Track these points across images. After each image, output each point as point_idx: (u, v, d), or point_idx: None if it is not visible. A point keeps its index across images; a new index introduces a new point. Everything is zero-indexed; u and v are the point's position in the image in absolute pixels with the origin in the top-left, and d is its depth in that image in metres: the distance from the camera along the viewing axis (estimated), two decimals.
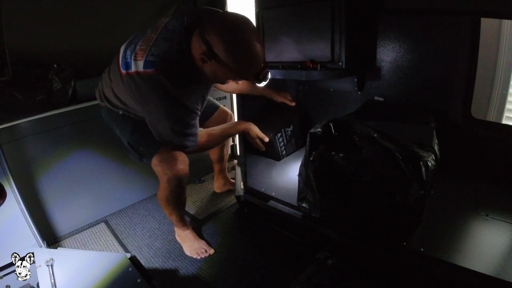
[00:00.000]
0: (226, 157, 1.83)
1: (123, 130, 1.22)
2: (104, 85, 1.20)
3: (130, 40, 1.08)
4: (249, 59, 0.94)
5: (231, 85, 1.38)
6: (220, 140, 1.33)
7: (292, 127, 1.74)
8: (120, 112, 1.18)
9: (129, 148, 1.25)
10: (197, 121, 1.12)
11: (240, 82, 1.10)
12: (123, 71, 1.03)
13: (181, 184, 1.22)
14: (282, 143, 1.69)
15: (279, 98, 1.57)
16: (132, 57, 1.00)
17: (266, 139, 1.40)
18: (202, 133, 1.20)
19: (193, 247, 1.41)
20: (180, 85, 1.00)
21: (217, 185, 1.91)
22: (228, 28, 0.92)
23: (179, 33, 0.98)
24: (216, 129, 1.29)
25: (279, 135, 1.67)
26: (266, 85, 1.40)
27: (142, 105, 1.05)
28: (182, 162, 1.19)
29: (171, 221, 1.45)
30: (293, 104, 1.57)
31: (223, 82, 1.11)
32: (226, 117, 1.60)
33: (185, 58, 0.99)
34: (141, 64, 0.97)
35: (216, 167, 1.84)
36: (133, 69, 0.99)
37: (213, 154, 1.77)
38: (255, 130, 1.36)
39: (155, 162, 1.17)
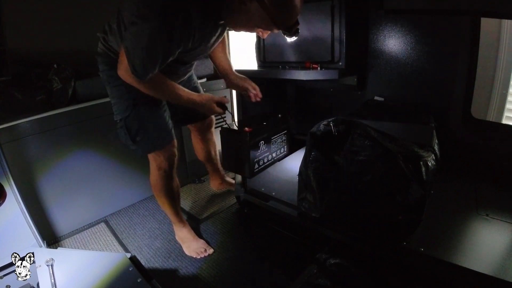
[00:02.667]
0: (216, 156, 1.75)
1: (120, 104, 1.13)
2: (112, 17, 1.08)
3: None
4: (291, 5, 0.92)
5: (218, 54, 1.31)
6: (165, 94, 1.08)
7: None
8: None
9: (122, 126, 1.16)
10: (162, 60, 0.93)
11: (265, 35, 1.01)
12: None
13: (171, 168, 1.27)
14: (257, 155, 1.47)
15: (243, 84, 1.35)
16: None
17: (227, 101, 1.22)
18: (159, 78, 1.01)
19: (192, 247, 1.41)
20: (190, 16, 0.88)
21: (213, 184, 1.90)
22: None
23: None
24: (175, 86, 1.08)
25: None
26: (241, 80, 1.32)
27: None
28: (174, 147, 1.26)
29: (167, 216, 1.45)
30: (257, 96, 1.36)
31: (249, 29, 1.00)
32: (209, 124, 1.56)
33: None
34: None
35: (209, 167, 1.81)
36: None
37: (199, 154, 1.71)
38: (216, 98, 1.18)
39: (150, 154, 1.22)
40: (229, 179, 1.87)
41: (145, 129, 1.15)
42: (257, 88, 1.36)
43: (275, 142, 1.53)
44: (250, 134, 1.35)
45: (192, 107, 1.13)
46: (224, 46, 1.33)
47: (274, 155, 1.55)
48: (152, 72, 0.95)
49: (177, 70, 1.15)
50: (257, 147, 1.42)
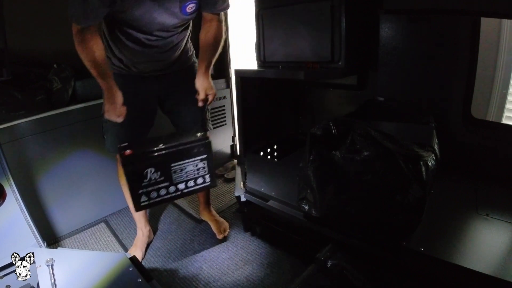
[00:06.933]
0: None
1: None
2: None
3: None
4: None
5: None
6: (91, 64, 1.06)
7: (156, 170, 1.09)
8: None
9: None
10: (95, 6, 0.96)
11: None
12: None
13: None
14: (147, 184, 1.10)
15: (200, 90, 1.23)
16: None
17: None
18: (95, 41, 1.04)
19: (133, 252, 1.41)
20: None
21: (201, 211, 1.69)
22: None
23: None
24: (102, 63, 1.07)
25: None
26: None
27: None
28: None
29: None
30: (203, 101, 1.22)
31: None
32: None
33: None
34: None
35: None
36: None
37: None
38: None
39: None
40: (215, 213, 1.66)
41: (106, 132, 1.26)
42: (209, 100, 1.25)
43: (183, 170, 1.14)
44: (129, 158, 1.05)
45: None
46: (212, 40, 1.22)
47: (181, 186, 1.16)
48: (82, 16, 0.99)
49: (138, 40, 1.15)
50: (141, 176, 1.08)
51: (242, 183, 1.56)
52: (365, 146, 0.98)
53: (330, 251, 1.10)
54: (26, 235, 1.24)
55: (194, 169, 1.15)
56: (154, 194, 1.12)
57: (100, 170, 1.66)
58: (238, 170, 1.71)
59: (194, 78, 1.23)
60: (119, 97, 1.11)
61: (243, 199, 1.56)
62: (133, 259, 1.07)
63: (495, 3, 1.14)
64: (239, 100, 1.51)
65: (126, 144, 1.11)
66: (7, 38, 1.30)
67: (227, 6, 1.21)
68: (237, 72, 1.50)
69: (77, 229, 1.64)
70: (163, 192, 1.13)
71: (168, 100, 1.34)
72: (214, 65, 1.36)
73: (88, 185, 1.64)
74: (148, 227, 1.49)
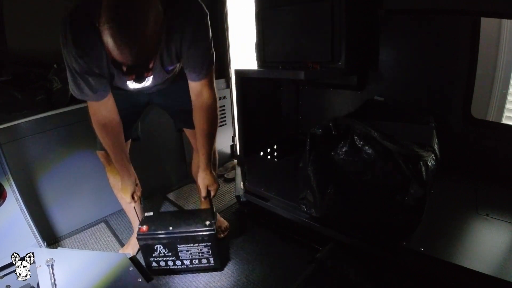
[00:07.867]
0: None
1: None
2: None
3: None
4: (116, 39, 0.73)
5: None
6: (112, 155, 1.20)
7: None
8: None
9: None
10: (85, 81, 1.02)
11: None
12: None
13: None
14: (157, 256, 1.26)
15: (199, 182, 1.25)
16: None
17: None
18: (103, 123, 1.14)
19: (124, 250, 1.44)
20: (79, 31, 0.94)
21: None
22: None
23: None
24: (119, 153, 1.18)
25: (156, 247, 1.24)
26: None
27: None
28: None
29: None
30: (205, 198, 1.26)
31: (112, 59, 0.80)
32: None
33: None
34: None
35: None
36: None
37: (194, 171, 1.51)
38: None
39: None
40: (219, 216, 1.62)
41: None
42: (212, 195, 1.25)
43: (188, 251, 1.26)
44: (143, 234, 1.22)
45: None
46: (207, 129, 1.16)
47: (187, 262, 1.28)
48: (78, 86, 1.04)
49: (129, 94, 1.20)
50: (152, 249, 1.25)
51: (242, 183, 1.56)
52: (365, 146, 0.98)
53: (330, 251, 1.10)
54: (26, 235, 1.24)
55: (198, 251, 1.27)
56: (163, 263, 1.28)
57: (100, 170, 1.65)
58: (238, 170, 1.72)
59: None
60: (132, 184, 1.25)
61: (243, 199, 1.56)
62: (133, 259, 1.07)
63: (495, 3, 1.14)
64: (239, 100, 1.51)
65: (149, 215, 1.31)
66: (7, 38, 1.30)
67: (211, 65, 1.08)
68: (237, 72, 1.50)
69: (77, 229, 1.64)
70: (171, 263, 1.28)
71: (165, 103, 1.33)
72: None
73: (88, 185, 1.64)
74: None
